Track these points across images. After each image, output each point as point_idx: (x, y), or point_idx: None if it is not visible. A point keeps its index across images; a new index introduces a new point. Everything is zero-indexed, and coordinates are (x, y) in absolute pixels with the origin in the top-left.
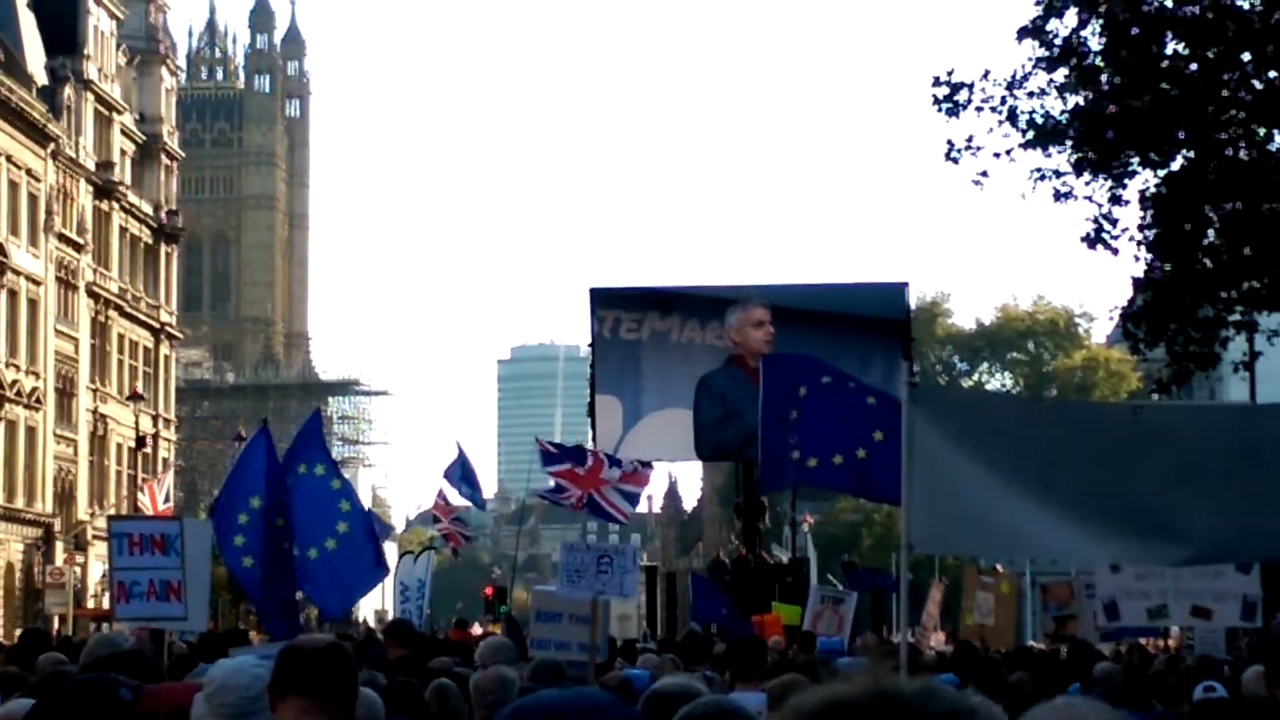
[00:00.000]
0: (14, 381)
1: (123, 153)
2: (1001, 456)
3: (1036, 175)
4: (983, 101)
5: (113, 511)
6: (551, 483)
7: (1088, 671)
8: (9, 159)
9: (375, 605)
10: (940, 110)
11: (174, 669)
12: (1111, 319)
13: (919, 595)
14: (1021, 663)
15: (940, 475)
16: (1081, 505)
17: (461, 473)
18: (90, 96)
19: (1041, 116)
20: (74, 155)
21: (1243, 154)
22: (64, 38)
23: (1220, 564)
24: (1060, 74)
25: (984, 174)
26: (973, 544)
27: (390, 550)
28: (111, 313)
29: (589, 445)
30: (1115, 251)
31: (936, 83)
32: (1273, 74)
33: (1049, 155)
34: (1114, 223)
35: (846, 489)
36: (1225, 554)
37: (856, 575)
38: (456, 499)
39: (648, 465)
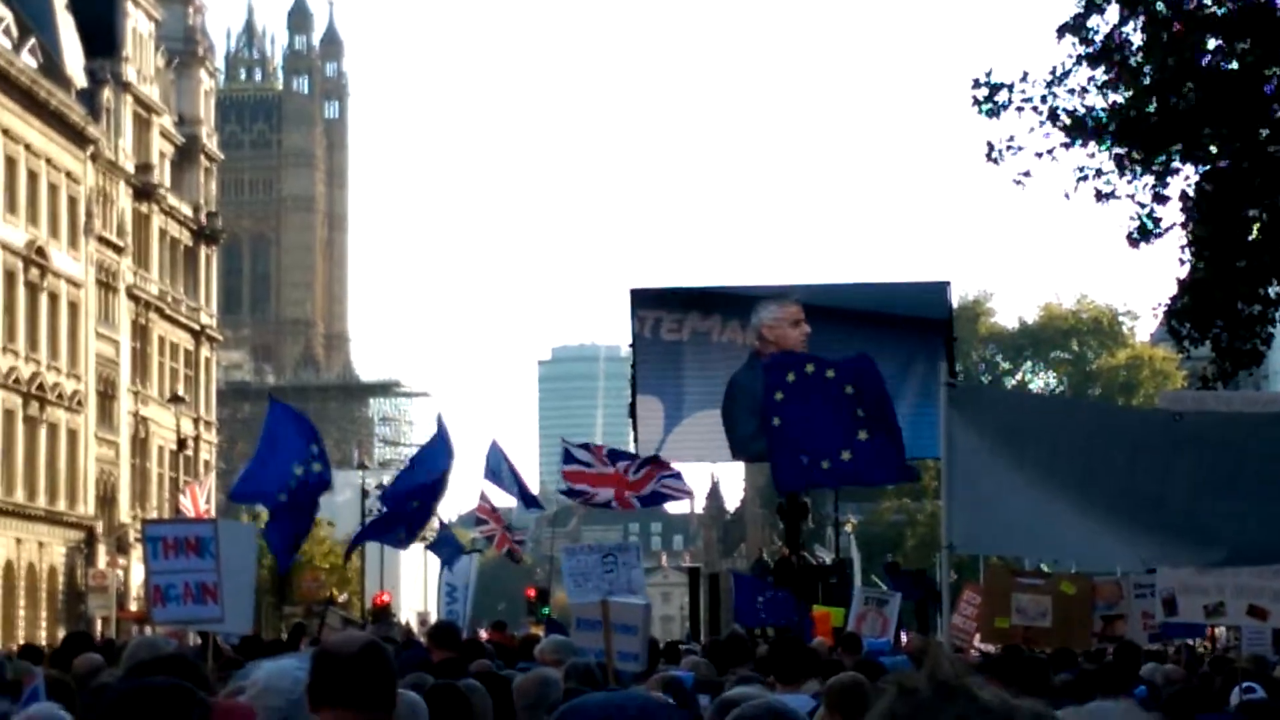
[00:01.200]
0: (55, 384)
1: (162, 155)
2: (1040, 458)
3: (1079, 175)
4: (1023, 101)
5: (154, 514)
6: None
7: (1134, 672)
8: (49, 161)
9: (418, 607)
10: (980, 111)
11: (220, 670)
12: (1156, 317)
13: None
14: (1066, 665)
15: (980, 476)
16: (1118, 508)
17: (504, 470)
18: (129, 98)
19: (1083, 111)
20: (113, 157)
21: None
22: (103, 40)
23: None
24: (1101, 71)
25: (1026, 174)
26: (1013, 544)
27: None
28: (152, 315)
29: (630, 446)
30: (1155, 240)
31: (976, 84)
32: None
33: (1092, 155)
34: (1157, 221)
35: (846, 483)
36: (1259, 559)
37: (901, 579)
38: (500, 499)
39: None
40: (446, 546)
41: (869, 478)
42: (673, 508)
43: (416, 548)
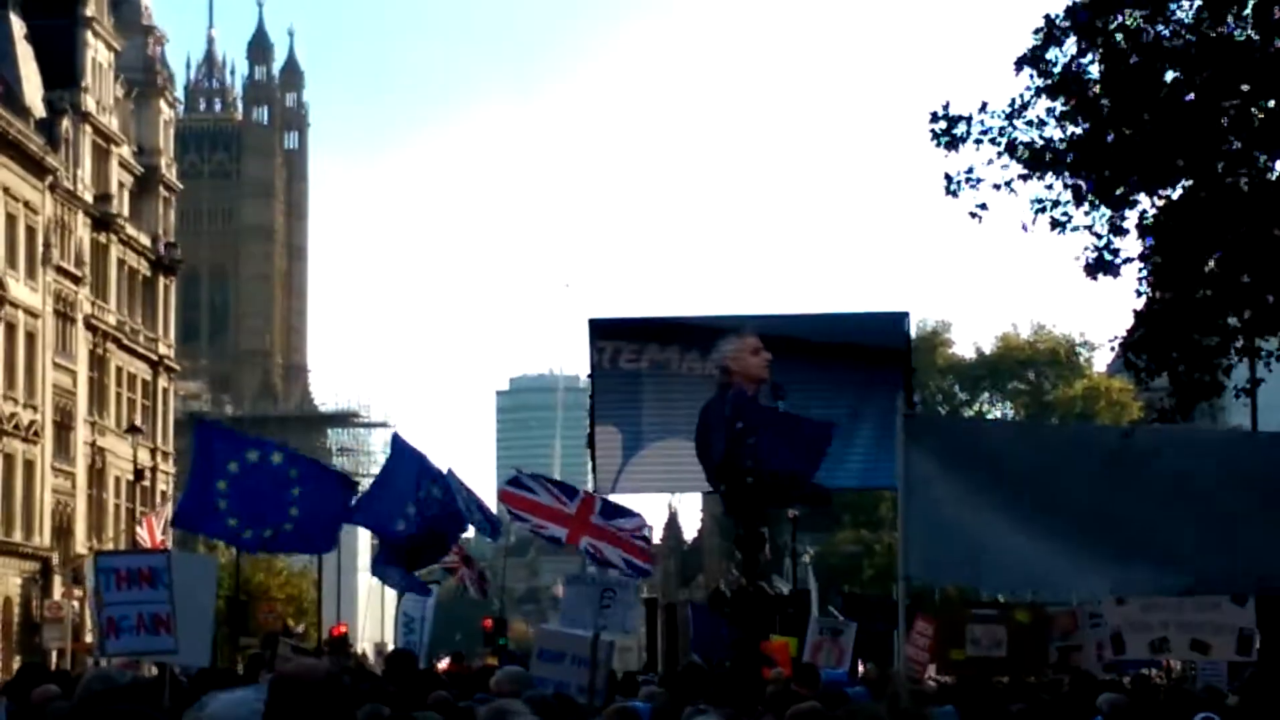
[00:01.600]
0: (12, 414)
1: (121, 185)
2: (997, 485)
3: (1036, 206)
4: (981, 134)
5: (111, 545)
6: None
7: (1090, 703)
8: (7, 191)
9: (375, 637)
10: (939, 144)
11: (175, 703)
12: (1113, 349)
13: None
14: (1021, 694)
15: (937, 506)
16: (1077, 533)
17: (461, 497)
18: (88, 129)
19: (1040, 143)
20: (72, 187)
21: (1243, 182)
22: (62, 70)
23: (1217, 596)
24: (1059, 103)
25: (983, 206)
26: (971, 575)
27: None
28: (110, 345)
29: (588, 476)
30: (1117, 274)
31: (934, 118)
32: (1272, 102)
33: (1050, 187)
34: (1115, 252)
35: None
36: (1220, 584)
37: (862, 606)
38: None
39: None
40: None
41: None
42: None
43: (374, 577)
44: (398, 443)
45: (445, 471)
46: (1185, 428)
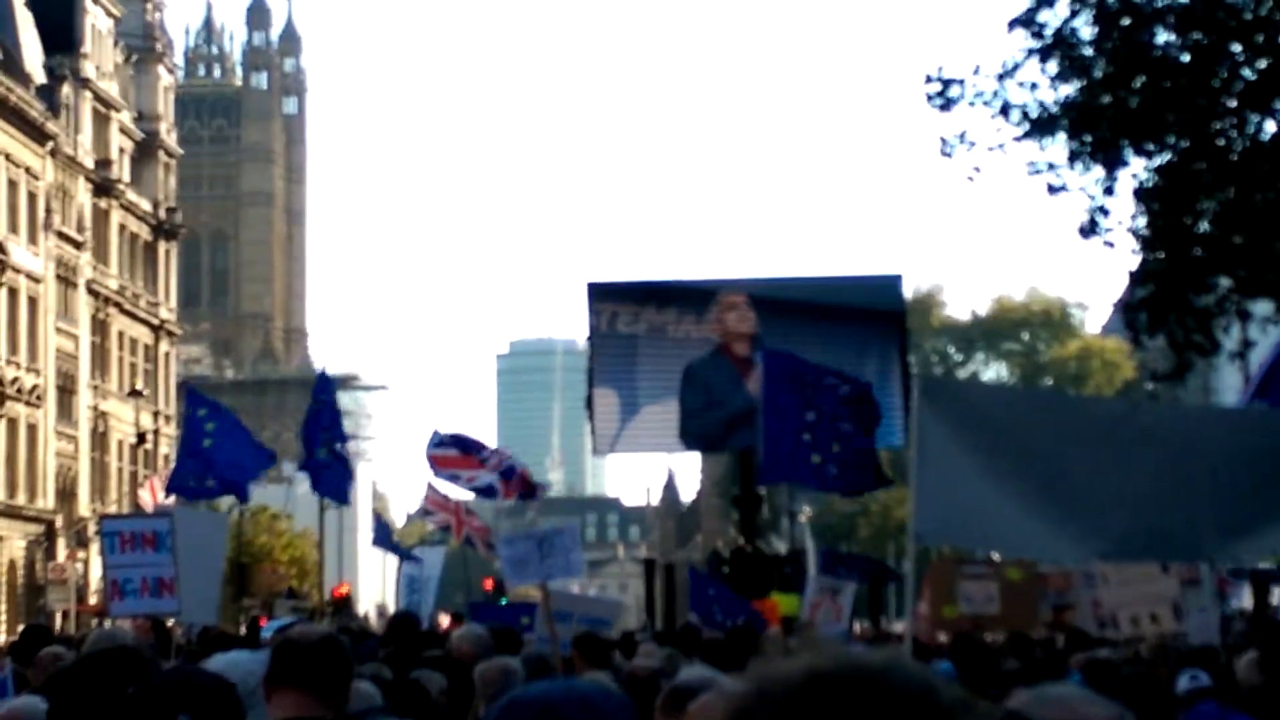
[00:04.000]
0: (14, 379)
1: (121, 150)
2: (1007, 451)
3: (1031, 168)
4: (975, 96)
5: (114, 508)
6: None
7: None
8: (8, 157)
9: (376, 598)
10: (933, 106)
11: (182, 663)
12: (1113, 310)
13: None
14: (1017, 652)
15: (948, 468)
16: (1075, 502)
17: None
18: (88, 95)
19: (1035, 107)
20: (72, 153)
21: (1235, 143)
22: (62, 36)
23: (1151, 567)
24: (1052, 65)
25: (977, 169)
26: (978, 537)
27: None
28: (111, 310)
29: (587, 439)
30: (1110, 244)
31: (929, 80)
32: (1263, 63)
33: (1043, 148)
34: (1107, 214)
35: (830, 489)
36: (1215, 553)
37: (848, 563)
38: (457, 491)
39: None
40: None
41: (845, 480)
42: (629, 499)
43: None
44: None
45: (432, 435)
46: (1190, 406)
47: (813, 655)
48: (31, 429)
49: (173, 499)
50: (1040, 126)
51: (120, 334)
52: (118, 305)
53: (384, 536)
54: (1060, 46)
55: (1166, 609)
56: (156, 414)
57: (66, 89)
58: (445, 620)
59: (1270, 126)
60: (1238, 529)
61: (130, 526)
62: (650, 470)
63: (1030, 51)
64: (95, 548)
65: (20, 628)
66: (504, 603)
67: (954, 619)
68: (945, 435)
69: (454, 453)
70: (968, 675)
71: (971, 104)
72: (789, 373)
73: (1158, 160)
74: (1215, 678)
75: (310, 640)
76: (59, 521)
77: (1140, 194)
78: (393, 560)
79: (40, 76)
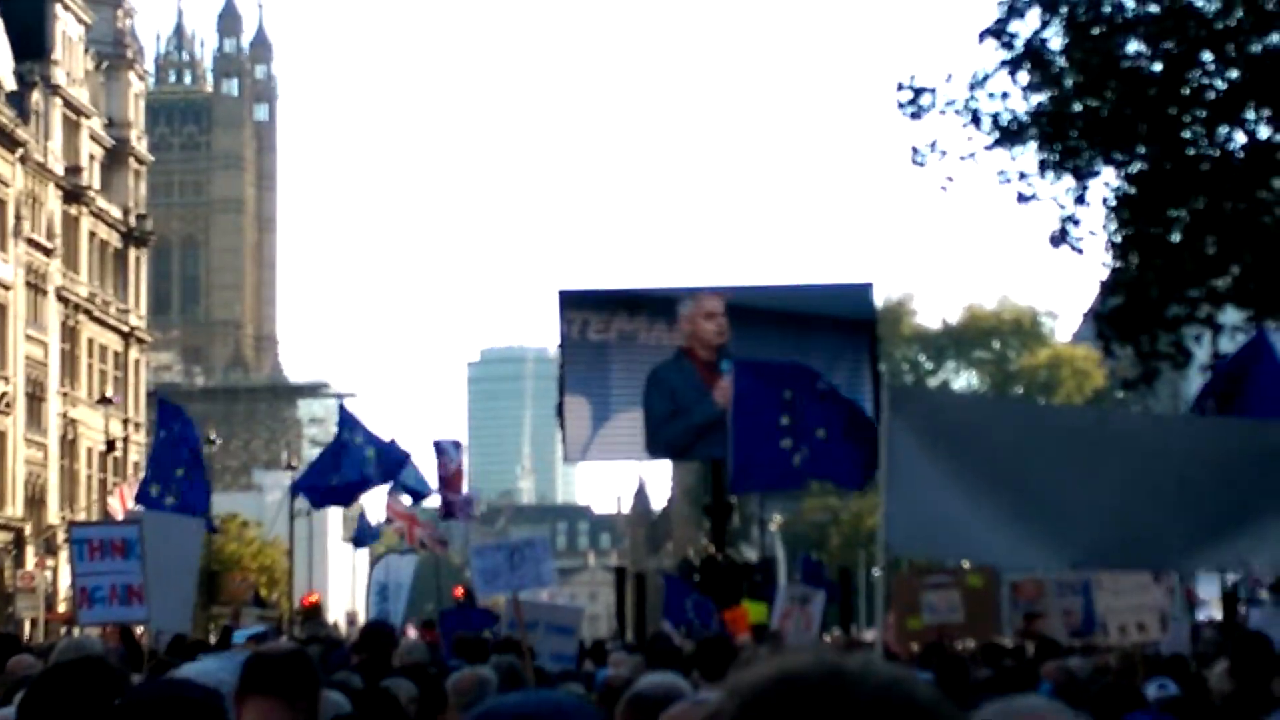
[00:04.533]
0: None
1: (91, 157)
2: (976, 459)
3: (1001, 178)
4: (946, 105)
5: (83, 515)
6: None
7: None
8: None
9: (347, 606)
10: (905, 114)
11: (153, 672)
12: (1083, 318)
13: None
14: (988, 660)
15: (918, 477)
16: (1049, 510)
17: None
18: (58, 101)
19: (1006, 117)
20: (42, 160)
21: (1205, 153)
22: (32, 43)
23: (1142, 576)
24: (1023, 75)
25: (950, 179)
26: (948, 546)
27: (362, 552)
28: (81, 317)
29: (558, 447)
30: (1080, 251)
31: (900, 88)
32: (1234, 73)
33: (1013, 158)
34: (1077, 223)
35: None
36: (1184, 562)
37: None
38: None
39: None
40: (366, 533)
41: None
42: (599, 507)
43: (345, 547)
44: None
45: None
46: (1158, 415)
47: (787, 658)
48: (0, 436)
49: (140, 509)
50: (1010, 135)
51: (90, 341)
52: (87, 312)
53: (365, 535)
54: (1031, 57)
55: (1154, 618)
56: (126, 421)
57: (36, 95)
58: (412, 631)
59: (1240, 137)
60: (1205, 538)
61: (99, 534)
62: (621, 478)
63: (1002, 62)
64: (64, 555)
65: None
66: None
67: (919, 630)
68: (914, 444)
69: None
70: (939, 684)
71: (943, 113)
72: (760, 378)
73: (1128, 169)
74: (1184, 687)
75: (279, 654)
76: (28, 529)
77: (1111, 203)
78: (363, 568)
79: (10, 83)
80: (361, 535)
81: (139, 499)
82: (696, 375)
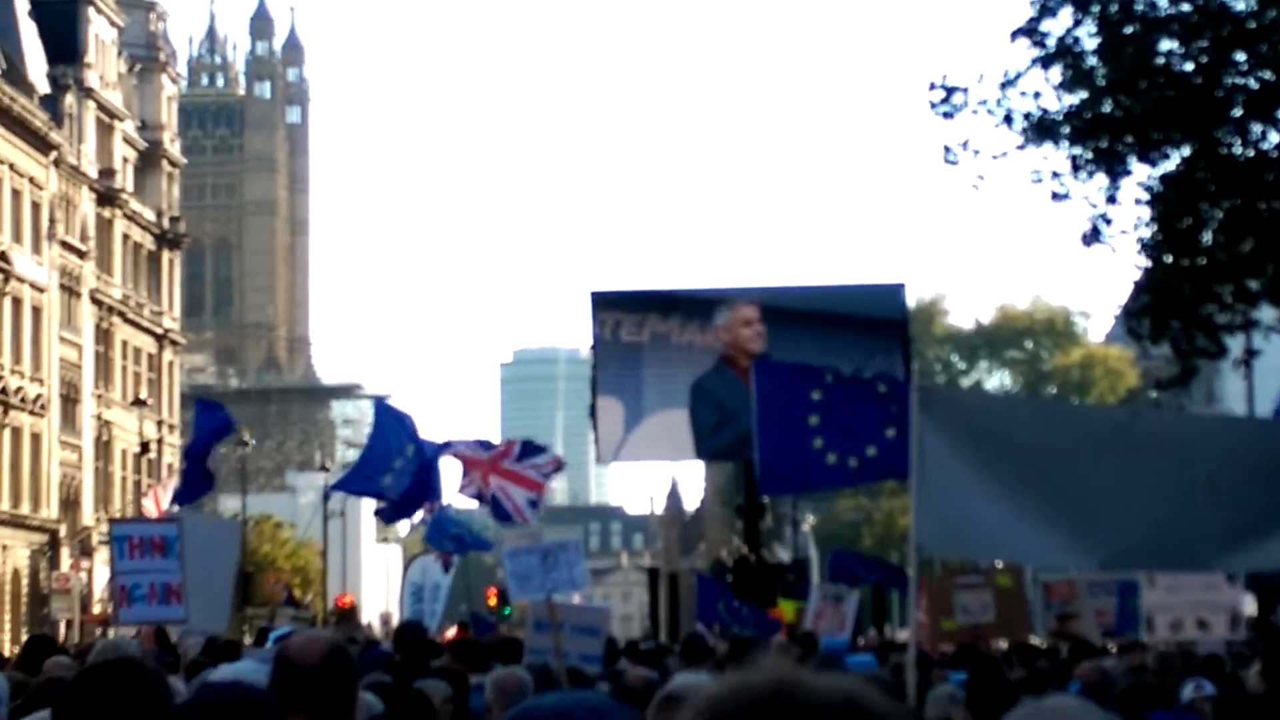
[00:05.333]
0: (18, 388)
1: (124, 160)
2: (1007, 460)
3: (1034, 176)
4: (979, 104)
5: (118, 517)
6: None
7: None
8: (12, 167)
9: (381, 608)
10: (937, 114)
11: (188, 673)
12: (1116, 317)
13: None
14: (1023, 660)
15: (949, 478)
16: (1075, 510)
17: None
18: (92, 104)
19: (1037, 113)
20: (76, 163)
21: (1238, 152)
22: (65, 46)
23: (1215, 576)
24: (1055, 73)
25: (981, 177)
26: (979, 546)
27: (395, 553)
28: (115, 319)
29: (590, 448)
30: (1113, 249)
31: (932, 87)
32: (1267, 72)
33: (1045, 158)
34: (1110, 222)
35: (871, 480)
36: (1213, 563)
37: (860, 566)
38: (462, 501)
39: (549, 471)
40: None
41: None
42: (632, 508)
43: (379, 548)
44: (381, 410)
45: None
46: (1188, 414)
47: (746, 671)
48: (35, 438)
49: (175, 510)
50: (1042, 132)
51: (124, 343)
52: (121, 315)
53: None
54: (1063, 55)
55: (1223, 616)
56: (160, 423)
57: (70, 99)
58: (452, 631)
59: (1274, 136)
60: (1237, 538)
61: (140, 531)
62: (654, 479)
63: (1034, 60)
64: (99, 557)
65: (25, 637)
66: (507, 613)
67: (953, 631)
68: (945, 445)
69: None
70: (974, 685)
71: (975, 112)
72: (783, 381)
73: (1161, 168)
74: (1221, 686)
75: (313, 660)
76: (63, 531)
77: (1144, 201)
78: (397, 568)
79: (44, 86)
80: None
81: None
82: (738, 381)
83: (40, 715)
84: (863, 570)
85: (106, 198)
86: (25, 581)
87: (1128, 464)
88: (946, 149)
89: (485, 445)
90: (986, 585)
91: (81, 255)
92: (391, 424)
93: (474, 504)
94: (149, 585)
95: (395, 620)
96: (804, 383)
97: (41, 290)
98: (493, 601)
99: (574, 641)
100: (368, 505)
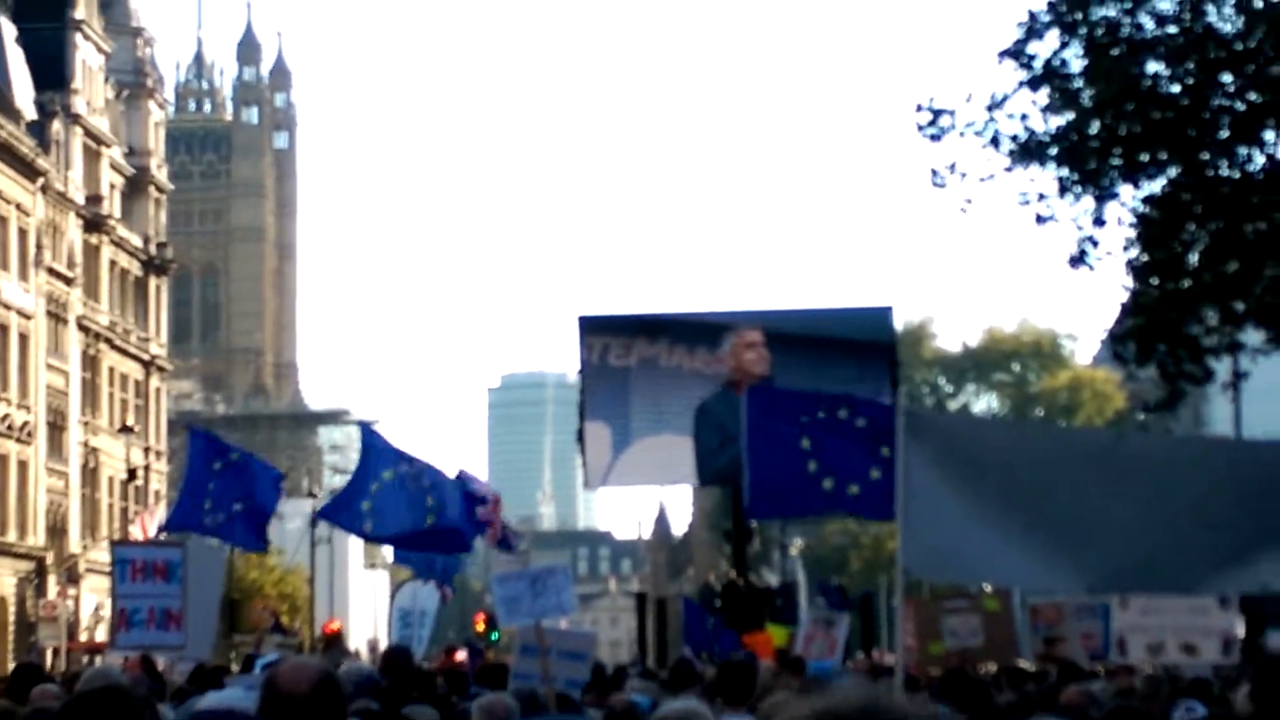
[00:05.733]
0: (5, 415)
1: (112, 186)
2: (994, 483)
3: (1021, 199)
4: (965, 126)
5: (105, 544)
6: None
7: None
8: None
9: (368, 634)
10: (924, 136)
11: (174, 700)
12: (1103, 341)
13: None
14: (1011, 684)
15: (936, 502)
16: (1066, 532)
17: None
18: (79, 130)
19: (1024, 134)
20: (63, 189)
21: (1225, 173)
22: (52, 73)
23: (1204, 599)
24: (1042, 95)
25: (969, 200)
26: (966, 569)
27: (383, 579)
28: (102, 346)
29: (578, 473)
30: (1091, 268)
31: (919, 109)
32: (1254, 95)
33: (1033, 180)
34: (1096, 245)
35: (864, 513)
36: (1201, 586)
37: (834, 596)
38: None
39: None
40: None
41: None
42: (620, 532)
43: (366, 574)
44: (366, 437)
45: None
46: (1174, 436)
47: (826, 696)
48: (22, 465)
49: (162, 538)
50: (1029, 153)
51: (111, 370)
52: (108, 341)
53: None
54: (1050, 78)
55: (1214, 641)
56: (147, 450)
57: (57, 125)
58: (461, 654)
59: (1260, 158)
60: (1225, 561)
61: (143, 555)
62: (642, 504)
63: (1021, 82)
64: (86, 585)
65: (11, 665)
66: (495, 638)
67: (940, 655)
68: (932, 468)
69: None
70: (963, 709)
71: (962, 134)
72: (775, 405)
73: (1147, 190)
74: (1211, 709)
75: (302, 690)
76: (49, 558)
77: (1129, 224)
78: (384, 594)
79: (31, 112)
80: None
81: (181, 523)
82: (740, 404)
83: None
84: (837, 600)
85: (93, 224)
86: (12, 609)
87: (1115, 487)
88: (934, 172)
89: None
90: (974, 610)
91: (68, 282)
92: (375, 449)
93: None
94: (148, 610)
95: (383, 647)
96: (796, 407)
97: (28, 317)
98: (480, 627)
99: (561, 666)
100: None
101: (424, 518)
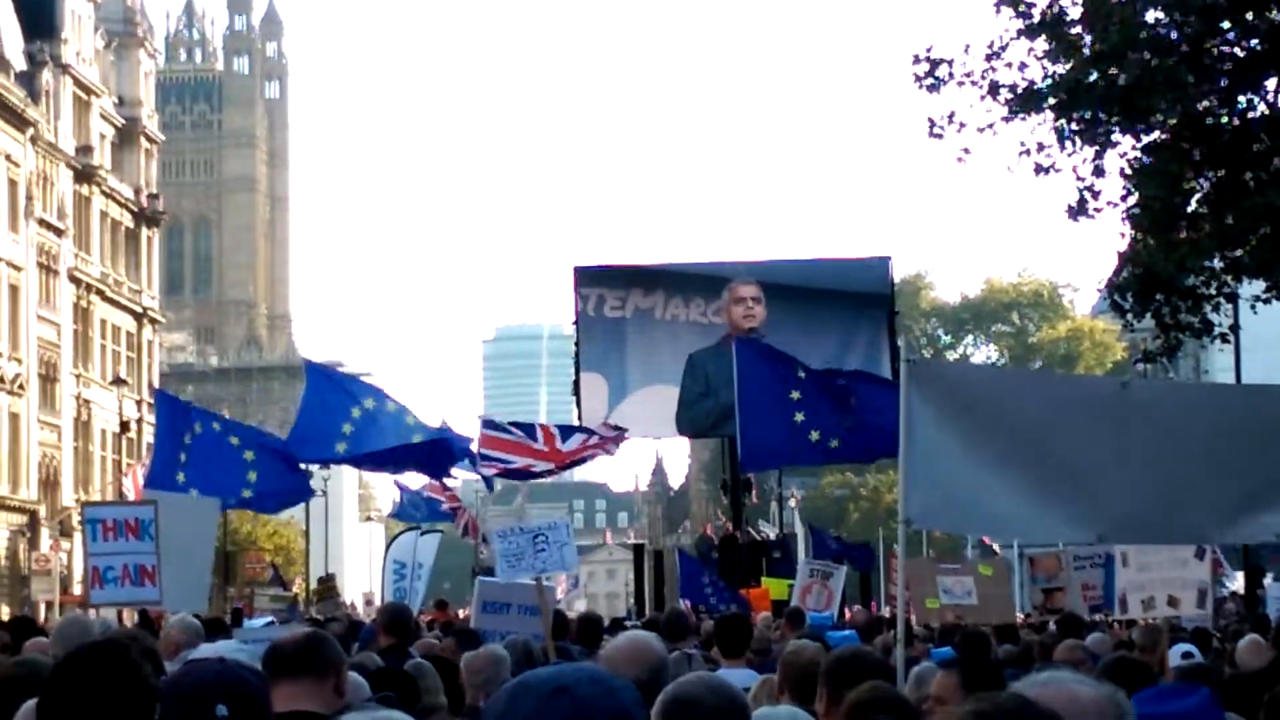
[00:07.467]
0: None
1: (102, 137)
2: (995, 433)
3: (1020, 149)
4: (964, 76)
5: (98, 497)
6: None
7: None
8: None
9: (363, 587)
10: (921, 87)
11: (169, 653)
12: (1099, 291)
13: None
14: (1008, 637)
15: (937, 451)
16: (1070, 482)
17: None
18: (69, 80)
19: (1023, 84)
20: (53, 140)
21: (1224, 121)
22: (41, 22)
23: (1184, 551)
24: (1040, 43)
25: (966, 150)
26: (968, 521)
27: (378, 531)
28: (93, 297)
29: (575, 421)
30: (1091, 218)
31: (916, 60)
32: (1254, 41)
33: (1032, 130)
34: (1096, 194)
35: (849, 459)
36: (1215, 535)
37: (840, 548)
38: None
39: (604, 437)
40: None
41: (857, 454)
42: (617, 484)
43: (361, 527)
44: (313, 371)
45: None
46: (1180, 382)
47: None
48: (14, 418)
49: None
50: (1028, 102)
51: (102, 322)
52: (100, 293)
53: (411, 513)
54: (1048, 25)
55: (1191, 594)
56: (140, 402)
57: (46, 75)
58: (426, 613)
59: (1261, 106)
60: (1235, 509)
61: (113, 514)
62: (638, 456)
63: (1018, 31)
64: (79, 538)
65: (4, 618)
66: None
67: (936, 610)
68: (933, 418)
69: (507, 437)
70: (966, 661)
71: (960, 84)
72: (764, 359)
73: (1146, 139)
74: (1208, 658)
75: (297, 642)
76: (42, 511)
77: (1127, 173)
78: (379, 547)
79: (20, 63)
80: (407, 513)
81: (155, 482)
82: (728, 359)
83: (29, 704)
84: (837, 548)
85: (84, 175)
86: (4, 562)
87: (1122, 435)
88: (931, 122)
89: (520, 428)
90: (967, 572)
91: (59, 233)
92: (325, 384)
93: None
94: (121, 567)
95: (378, 600)
96: (786, 361)
97: (19, 269)
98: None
99: (523, 622)
100: (350, 484)
101: (410, 434)
